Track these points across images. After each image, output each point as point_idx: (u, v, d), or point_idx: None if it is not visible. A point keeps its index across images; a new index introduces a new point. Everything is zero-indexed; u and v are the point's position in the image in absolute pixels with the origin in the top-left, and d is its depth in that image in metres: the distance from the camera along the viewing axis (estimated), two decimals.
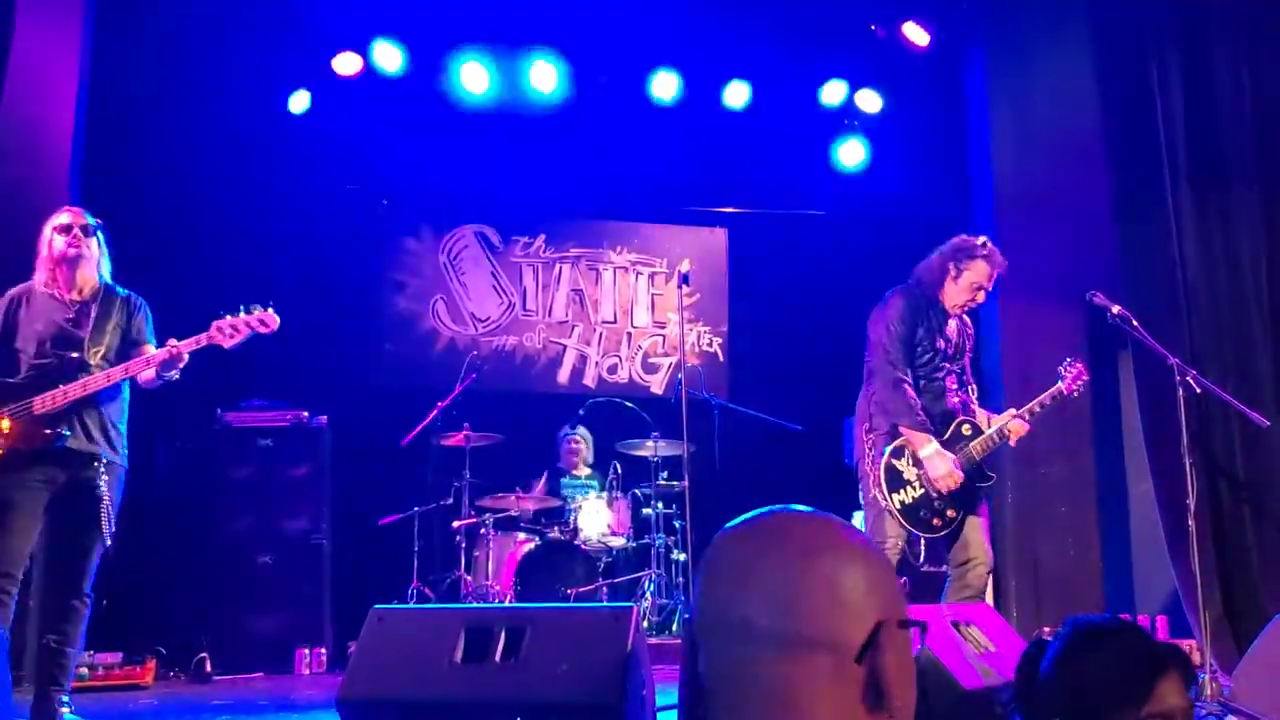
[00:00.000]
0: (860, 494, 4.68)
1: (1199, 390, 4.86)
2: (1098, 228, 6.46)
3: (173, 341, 4.15)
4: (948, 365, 4.68)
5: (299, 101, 7.67)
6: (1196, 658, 5.61)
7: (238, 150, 7.55)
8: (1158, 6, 6.49)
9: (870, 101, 8.18)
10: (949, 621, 3.46)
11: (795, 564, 1.19)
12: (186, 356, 4.18)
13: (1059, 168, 6.73)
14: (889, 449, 4.53)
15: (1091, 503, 6.46)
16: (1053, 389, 4.65)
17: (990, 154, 6.88)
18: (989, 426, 4.63)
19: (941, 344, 4.66)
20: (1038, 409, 4.64)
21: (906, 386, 4.53)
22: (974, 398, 4.78)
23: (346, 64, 7.58)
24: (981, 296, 4.76)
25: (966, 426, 4.62)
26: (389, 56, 7.59)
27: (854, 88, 8.15)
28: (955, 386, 4.71)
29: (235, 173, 7.62)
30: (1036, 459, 6.47)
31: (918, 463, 4.49)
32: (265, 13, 7.09)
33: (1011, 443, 4.66)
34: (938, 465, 4.45)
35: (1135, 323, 4.87)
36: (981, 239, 4.76)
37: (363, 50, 7.57)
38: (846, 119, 8.36)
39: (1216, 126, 6.34)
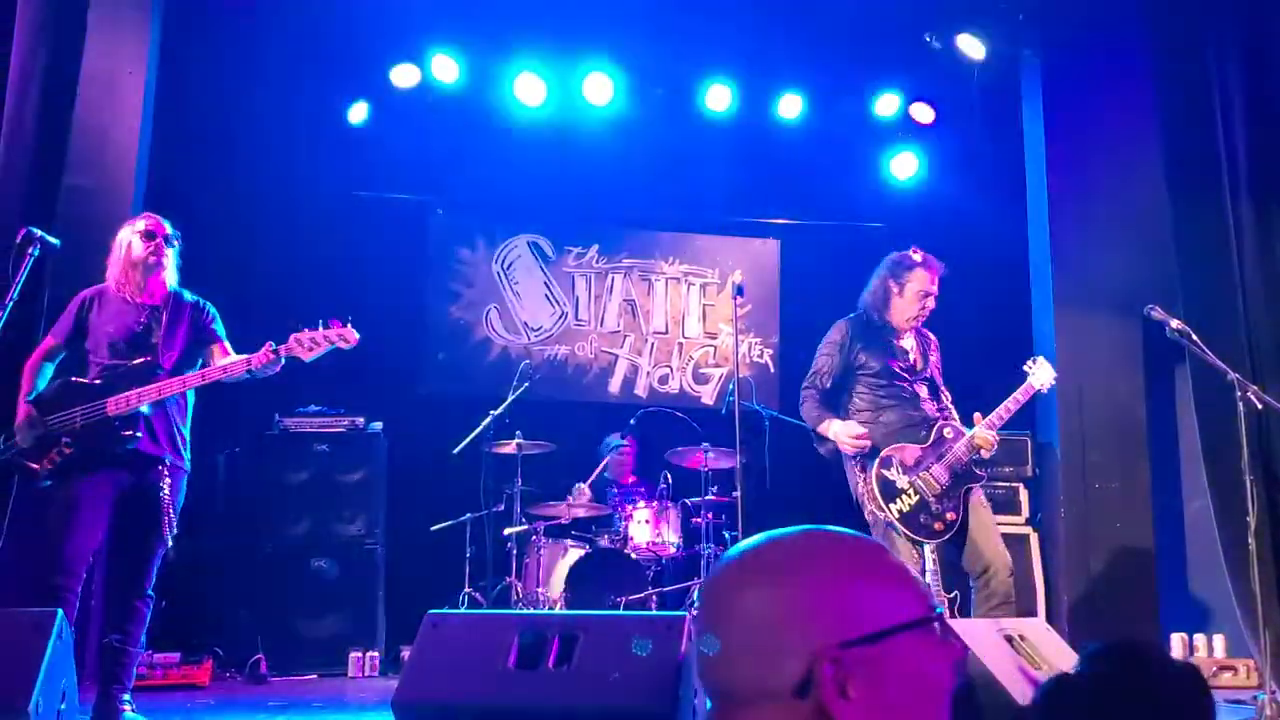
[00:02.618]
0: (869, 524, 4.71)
1: (1260, 406, 4.79)
2: (1155, 239, 6.39)
3: (274, 345, 4.24)
4: (911, 377, 4.80)
5: (357, 112, 7.80)
6: (1255, 678, 5.53)
7: (297, 160, 7.68)
8: (1218, 14, 6.40)
9: (924, 113, 8.15)
10: (1003, 635, 3.44)
11: (729, 605, 1.10)
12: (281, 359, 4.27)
13: (1116, 179, 6.66)
14: (875, 462, 4.57)
15: (1147, 518, 6.37)
16: (1023, 386, 4.78)
17: (1046, 165, 6.81)
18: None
19: (897, 362, 4.79)
20: (1004, 414, 4.71)
21: (810, 396, 4.85)
22: (951, 406, 4.88)
23: (404, 76, 7.68)
24: (931, 303, 4.88)
25: (948, 430, 4.72)
26: (446, 68, 7.68)
27: (908, 99, 8.12)
28: (928, 395, 4.83)
29: (294, 182, 7.74)
30: (1090, 474, 6.41)
31: (907, 470, 4.55)
32: (326, 26, 7.20)
33: (984, 455, 4.70)
34: (841, 431, 4.67)
35: (1195, 337, 4.81)
36: (912, 250, 4.92)
37: (420, 62, 7.67)
38: (900, 131, 8.34)
39: (1279, 136, 6.24)
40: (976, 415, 4.72)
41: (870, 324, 4.84)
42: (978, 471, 4.69)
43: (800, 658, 1.05)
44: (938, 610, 1.11)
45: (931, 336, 5.01)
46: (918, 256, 4.86)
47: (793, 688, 1.04)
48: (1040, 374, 4.83)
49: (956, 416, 4.81)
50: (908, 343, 4.85)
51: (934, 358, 4.96)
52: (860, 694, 1.04)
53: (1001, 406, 4.70)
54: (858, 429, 4.66)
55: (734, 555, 1.15)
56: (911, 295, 4.81)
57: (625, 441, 7.70)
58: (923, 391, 4.79)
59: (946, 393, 4.90)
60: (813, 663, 1.04)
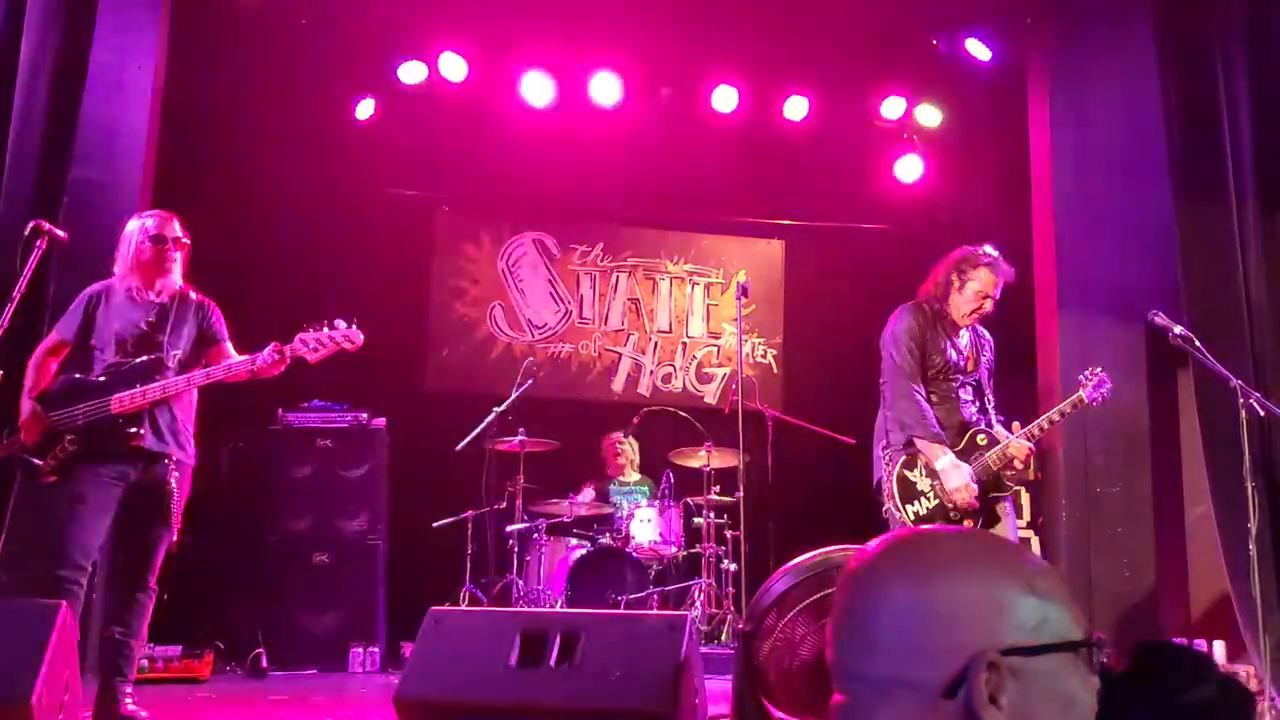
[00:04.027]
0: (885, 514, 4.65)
1: (1263, 413, 4.79)
2: (1160, 243, 6.38)
3: (279, 346, 4.24)
4: (961, 377, 4.65)
5: (365, 109, 7.81)
6: (1254, 685, 5.53)
7: (304, 155, 7.69)
8: (1226, 19, 6.40)
9: (930, 116, 8.15)
10: None
11: (878, 596, 1.09)
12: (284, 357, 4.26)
13: (1121, 183, 6.66)
14: (901, 461, 4.51)
15: (1148, 523, 6.38)
16: (1072, 398, 4.57)
17: (1051, 169, 6.82)
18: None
19: (953, 356, 4.62)
20: (1046, 425, 4.56)
21: (919, 397, 4.50)
22: (992, 410, 4.73)
23: (411, 73, 7.70)
24: (989, 305, 4.68)
25: (982, 437, 4.56)
26: (453, 66, 7.69)
27: (914, 102, 8.13)
28: (970, 398, 4.67)
29: (301, 177, 7.76)
30: (1092, 478, 6.41)
31: (931, 474, 4.45)
32: (334, 23, 7.21)
33: (1018, 465, 4.59)
34: (953, 478, 4.39)
35: (1198, 344, 4.80)
36: (985, 247, 4.72)
37: (428, 60, 7.68)
38: (906, 133, 8.35)
39: None
40: (1015, 425, 4.62)
41: (931, 314, 4.67)
42: (1007, 482, 4.57)
43: (956, 657, 1.04)
44: (1096, 638, 1.10)
45: (987, 336, 4.86)
46: (988, 256, 4.66)
47: (943, 686, 1.03)
48: (1094, 388, 4.59)
49: (995, 422, 4.71)
50: (963, 340, 4.70)
51: (986, 357, 4.79)
52: (1011, 704, 1.03)
53: (1044, 418, 4.55)
54: (972, 484, 4.42)
55: (886, 546, 1.14)
56: (971, 294, 4.63)
57: (624, 438, 7.72)
58: (966, 394, 4.64)
59: (991, 396, 4.78)
60: (969, 664, 1.03)
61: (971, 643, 1.04)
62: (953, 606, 1.06)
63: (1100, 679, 1.11)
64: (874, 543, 1.15)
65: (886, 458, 4.59)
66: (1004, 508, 4.59)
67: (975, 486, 4.41)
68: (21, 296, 4.04)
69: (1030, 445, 4.55)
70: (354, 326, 4.31)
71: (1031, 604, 1.07)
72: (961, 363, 4.66)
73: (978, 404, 4.69)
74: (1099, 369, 4.66)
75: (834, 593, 1.15)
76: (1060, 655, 1.06)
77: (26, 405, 4.20)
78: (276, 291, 7.44)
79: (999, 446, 4.51)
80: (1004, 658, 1.03)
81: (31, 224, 4.16)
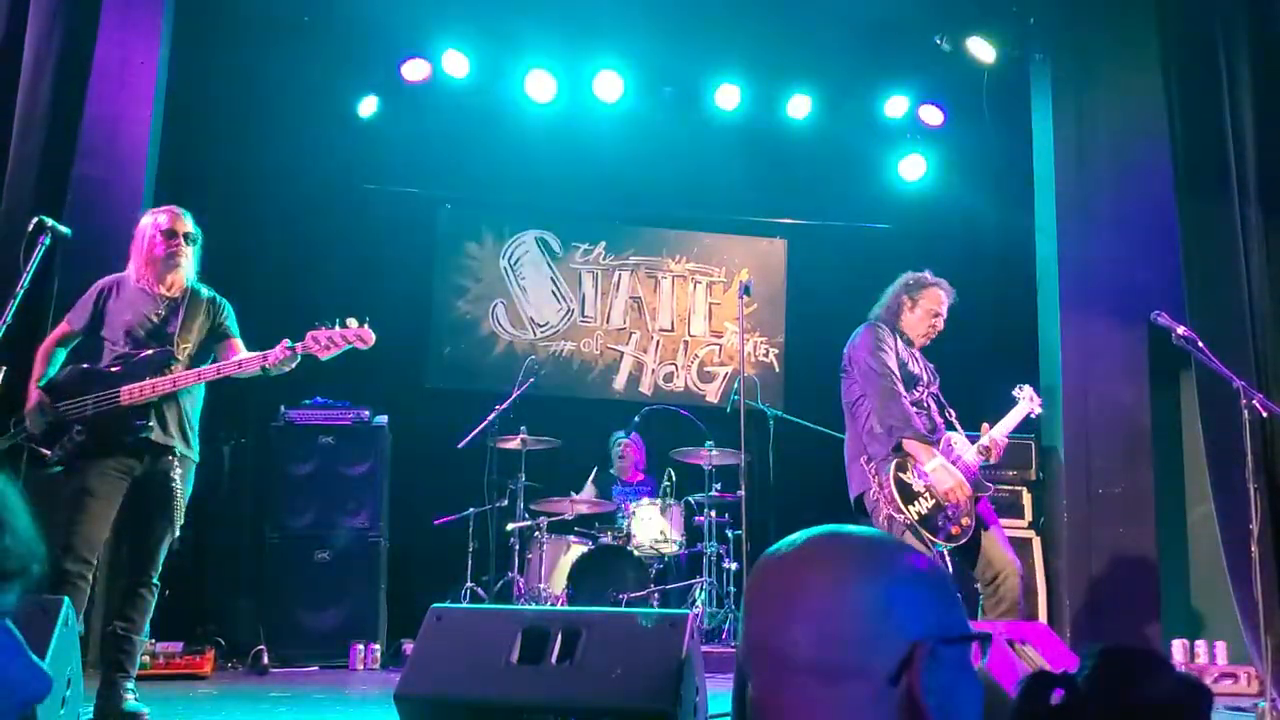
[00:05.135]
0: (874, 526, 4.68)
1: (1265, 414, 4.79)
2: (1162, 244, 6.38)
3: (290, 343, 4.25)
4: (926, 388, 4.83)
5: (368, 106, 7.81)
6: (1256, 685, 5.54)
7: (307, 152, 7.69)
8: (1229, 20, 6.40)
9: (933, 115, 8.15)
10: (1004, 640, 3.45)
11: (833, 589, 1.15)
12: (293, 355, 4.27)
13: (1124, 183, 6.66)
14: (893, 466, 4.57)
15: (1150, 523, 6.37)
16: (1015, 409, 4.90)
17: (1055, 169, 6.81)
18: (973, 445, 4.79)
19: (915, 368, 4.81)
20: (1005, 431, 4.82)
21: (905, 400, 4.64)
22: (955, 420, 4.91)
23: (415, 70, 7.70)
24: (940, 324, 4.92)
25: (957, 439, 4.75)
26: (457, 64, 7.69)
27: (917, 101, 8.12)
28: (936, 406, 4.86)
29: (304, 174, 7.76)
30: (1093, 478, 6.40)
31: (923, 474, 4.55)
32: (337, 19, 7.21)
33: (991, 459, 4.82)
34: (944, 478, 4.52)
35: (1201, 344, 4.81)
36: (927, 272, 4.97)
37: (431, 57, 7.68)
38: (909, 132, 8.34)
39: None
40: (985, 425, 4.76)
41: (892, 331, 4.86)
42: (985, 482, 4.72)
43: (901, 647, 1.12)
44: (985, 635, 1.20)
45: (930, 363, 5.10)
46: (933, 278, 4.93)
47: (889, 674, 1.12)
48: (1027, 401, 4.96)
49: (960, 429, 4.85)
50: (919, 356, 4.91)
51: (934, 375, 5.00)
52: (942, 690, 1.12)
53: (1001, 423, 4.81)
54: (965, 483, 4.55)
55: (817, 542, 1.21)
56: (923, 312, 4.87)
57: (628, 439, 7.72)
58: (933, 403, 4.83)
59: (950, 408, 4.94)
60: (911, 652, 1.12)
61: (916, 633, 1.13)
62: (899, 600, 1.15)
63: (1064, 684, 1.17)
64: (792, 541, 1.22)
65: (873, 469, 4.64)
66: (986, 505, 4.73)
67: (969, 486, 4.54)
68: (25, 292, 4.04)
69: (1003, 439, 4.78)
70: (366, 325, 4.32)
71: (946, 599, 1.18)
72: (924, 376, 4.85)
73: (943, 415, 4.88)
74: (1025, 385, 5.04)
75: (754, 587, 1.22)
76: (964, 646, 1.17)
77: (34, 393, 4.20)
78: (278, 288, 7.46)
79: (976, 445, 4.72)
80: (940, 645, 1.13)
81: (35, 220, 4.17)
